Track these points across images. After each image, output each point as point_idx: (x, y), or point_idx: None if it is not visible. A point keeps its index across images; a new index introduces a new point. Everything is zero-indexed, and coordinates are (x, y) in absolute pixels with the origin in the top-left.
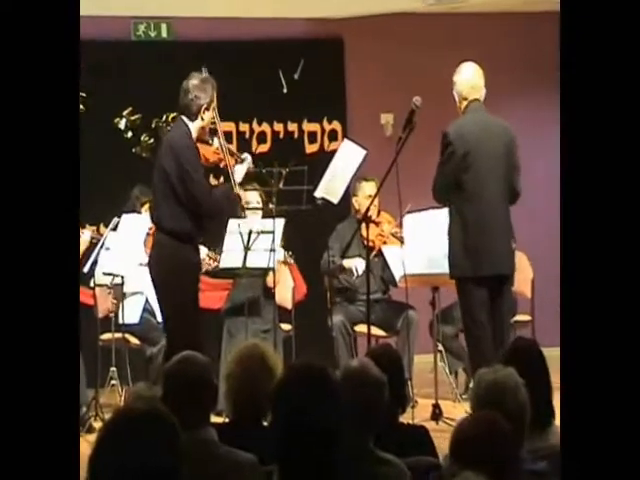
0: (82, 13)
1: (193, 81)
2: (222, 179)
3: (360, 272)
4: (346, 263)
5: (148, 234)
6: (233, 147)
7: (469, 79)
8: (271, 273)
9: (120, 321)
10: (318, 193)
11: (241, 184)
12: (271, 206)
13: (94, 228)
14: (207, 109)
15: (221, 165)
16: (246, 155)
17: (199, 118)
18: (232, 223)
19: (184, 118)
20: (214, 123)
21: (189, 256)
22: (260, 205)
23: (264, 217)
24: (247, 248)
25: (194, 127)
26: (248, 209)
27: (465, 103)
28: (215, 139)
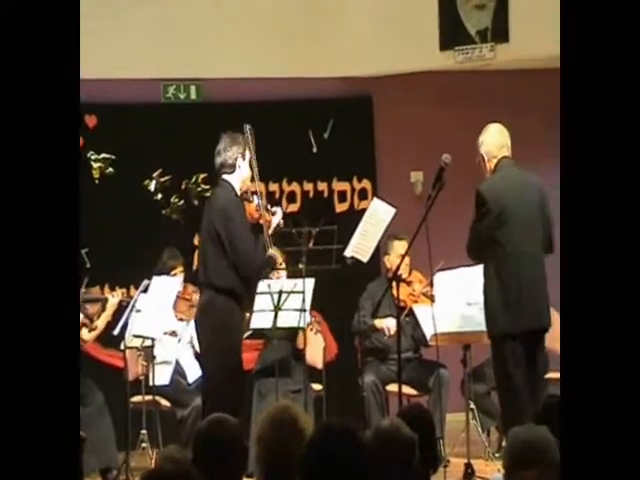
0: (111, 77)
1: (224, 138)
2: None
3: (392, 332)
4: (378, 323)
5: (177, 297)
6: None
7: (497, 139)
8: (301, 334)
9: (150, 383)
10: (348, 252)
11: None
12: (301, 266)
13: (124, 291)
14: (243, 157)
15: (260, 222)
16: (277, 209)
17: (237, 167)
18: (262, 284)
19: (224, 177)
20: (253, 180)
21: (238, 315)
22: (283, 265)
23: (291, 277)
24: (277, 308)
25: (236, 181)
26: (273, 269)
27: (495, 161)
28: (255, 197)
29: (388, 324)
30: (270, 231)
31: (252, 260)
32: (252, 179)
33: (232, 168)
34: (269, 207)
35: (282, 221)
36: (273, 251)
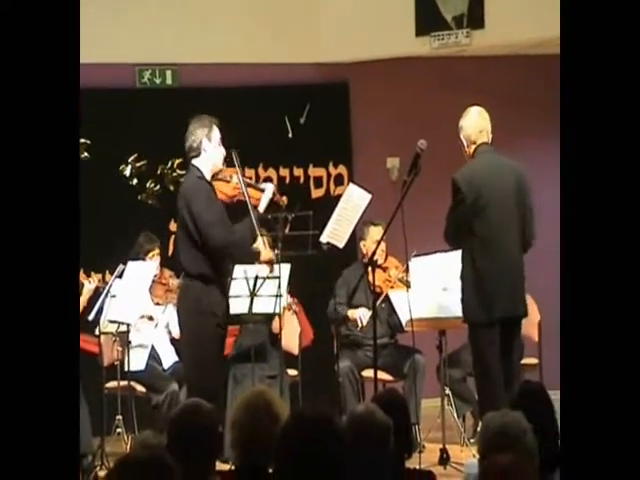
0: (86, 61)
1: (191, 123)
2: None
3: (365, 323)
4: (351, 314)
5: (154, 281)
6: (249, 180)
7: (476, 123)
8: (277, 318)
9: (126, 369)
10: (324, 238)
11: (266, 212)
12: (277, 251)
13: (99, 276)
14: (208, 140)
15: (243, 200)
16: (266, 185)
17: (202, 150)
18: (238, 269)
19: (193, 162)
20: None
21: (212, 298)
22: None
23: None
24: (253, 294)
25: (204, 164)
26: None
27: (474, 147)
28: (234, 176)
29: (361, 314)
30: (261, 208)
31: (219, 235)
32: (228, 162)
33: (197, 151)
34: (257, 184)
35: (279, 197)
36: (256, 245)
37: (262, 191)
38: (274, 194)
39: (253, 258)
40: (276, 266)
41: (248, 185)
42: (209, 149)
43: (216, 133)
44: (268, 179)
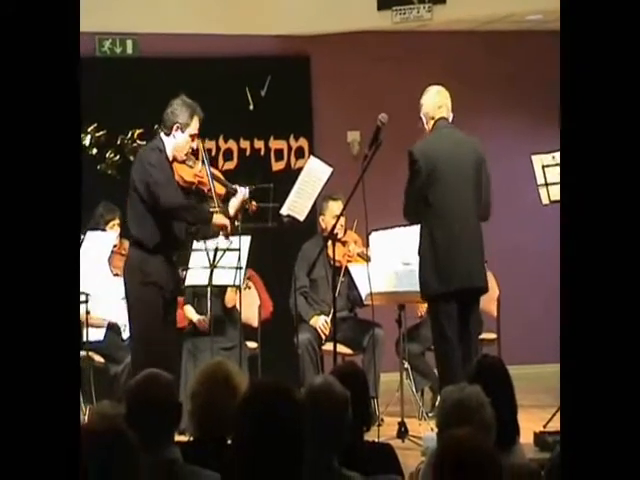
0: None
1: (178, 99)
2: None
3: (327, 332)
4: (313, 322)
5: (113, 252)
6: (220, 175)
7: (435, 100)
8: (230, 292)
9: (84, 339)
10: (284, 210)
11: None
12: (237, 223)
13: None
14: (181, 130)
15: (205, 190)
16: (240, 188)
17: (172, 136)
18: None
19: (161, 134)
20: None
21: (157, 268)
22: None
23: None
24: (213, 265)
25: (169, 144)
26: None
27: (432, 122)
28: (199, 163)
29: (321, 325)
30: (231, 211)
31: (169, 195)
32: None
33: (168, 132)
34: (229, 183)
35: (250, 203)
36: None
37: (232, 192)
38: (246, 199)
39: (205, 222)
40: (236, 238)
41: (217, 179)
42: (179, 138)
43: (194, 126)
44: (228, 151)
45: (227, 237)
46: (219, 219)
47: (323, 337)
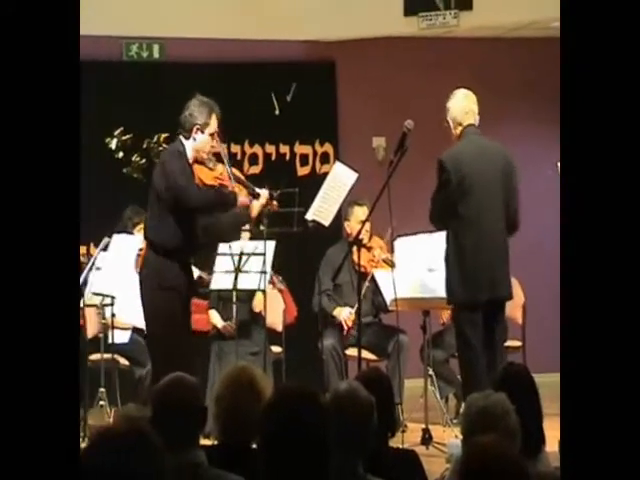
0: None
1: (194, 100)
2: None
3: (350, 324)
4: (337, 313)
5: (139, 255)
6: (242, 176)
7: (463, 105)
8: (258, 296)
9: (109, 341)
10: (309, 216)
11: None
12: (262, 228)
13: (84, 249)
14: (201, 131)
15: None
16: (261, 191)
17: (192, 138)
18: (223, 245)
19: (180, 137)
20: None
21: (176, 274)
22: (248, 227)
23: (253, 239)
24: (238, 270)
25: (189, 146)
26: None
27: (460, 129)
28: (220, 165)
29: (345, 317)
30: (254, 214)
31: (194, 194)
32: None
33: (188, 135)
34: (251, 185)
35: (272, 204)
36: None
37: (255, 196)
38: (268, 201)
39: (234, 205)
40: (261, 243)
41: (238, 180)
42: (199, 139)
43: (213, 125)
44: (254, 156)
45: (257, 224)
46: (242, 200)
47: (346, 328)
